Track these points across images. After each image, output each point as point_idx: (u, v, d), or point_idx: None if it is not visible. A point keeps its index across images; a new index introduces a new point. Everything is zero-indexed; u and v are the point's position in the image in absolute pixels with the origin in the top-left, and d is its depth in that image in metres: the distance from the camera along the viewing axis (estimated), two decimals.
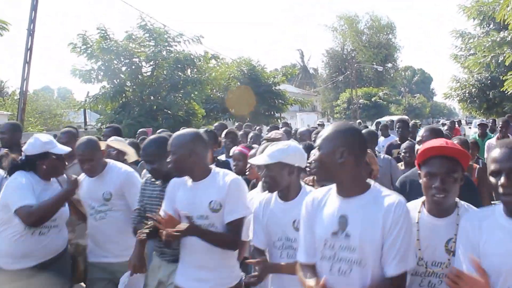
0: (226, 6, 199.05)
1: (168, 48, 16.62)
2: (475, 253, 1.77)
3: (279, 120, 22.24)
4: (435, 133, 3.21)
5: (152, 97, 16.32)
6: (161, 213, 2.67)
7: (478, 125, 8.37)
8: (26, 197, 3.00)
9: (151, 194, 3.04)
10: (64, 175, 3.32)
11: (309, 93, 47.37)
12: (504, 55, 10.93)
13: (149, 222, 2.68)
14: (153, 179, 3.08)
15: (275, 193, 2.57)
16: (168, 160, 2.64)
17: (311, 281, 1.95)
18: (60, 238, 3.25)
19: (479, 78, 20.62)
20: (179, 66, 16.53)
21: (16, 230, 3.04)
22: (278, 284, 2.53)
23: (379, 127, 8.53)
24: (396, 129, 6.41)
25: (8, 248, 3.06)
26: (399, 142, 5.90)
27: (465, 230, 1.85)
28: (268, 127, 9.81)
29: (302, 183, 2.61)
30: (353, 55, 51.64)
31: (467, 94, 21.26)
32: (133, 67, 16.09)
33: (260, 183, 3.13)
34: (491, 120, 9.73)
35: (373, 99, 41.27)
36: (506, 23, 9.61)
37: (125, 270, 2.99)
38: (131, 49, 15.60)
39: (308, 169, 3.19)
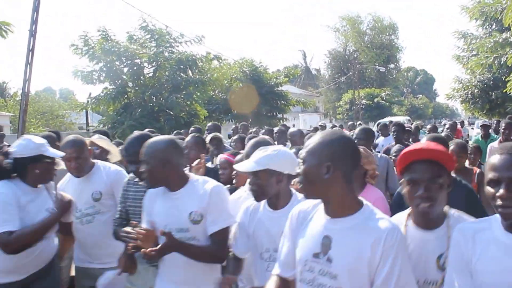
0: (227, 6, 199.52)
1: (170, 49, 16.61)
2: (467, 269, 1.59)
3: (281, 121, 22.27)
4: (438, 142, 2.83)
5: (154, 98, 16.25)
6: (143, 225, 2.47)
7: (480, 126, 8.24)
8: (6, 220, 2.67)
9: (135, 195, 2.86)
10: (54, 190, 3.08)
11: (311, 94, 47.38)
12: (507, 56, 10.89)
13: (132, 230, 2.43)
14: (136, 180, 2.91)
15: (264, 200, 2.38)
16: (141, 170, 2.47)
17: None
18: (49, 246, 3.02)
19: (482, 79, 20.63)
20: (181, 67, 16.48)
21: None
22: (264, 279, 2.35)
23: (379, 127, 8.50)
24: (392, 132, 6.37)
25: None
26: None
27: (458, 243, 1.65)
28: (263, 130, 9.40)
29: (293, 190, 2.39)
30: (355, 55, 51.48)
31: (469, 95, 21.32)
32: (135, 68, 16.07)
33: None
34: (495, 121, 9.59)
35: (375, 100, 41.24)
36: (509, 25, 9.59)
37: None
38: (132, 51, 15.60)
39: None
